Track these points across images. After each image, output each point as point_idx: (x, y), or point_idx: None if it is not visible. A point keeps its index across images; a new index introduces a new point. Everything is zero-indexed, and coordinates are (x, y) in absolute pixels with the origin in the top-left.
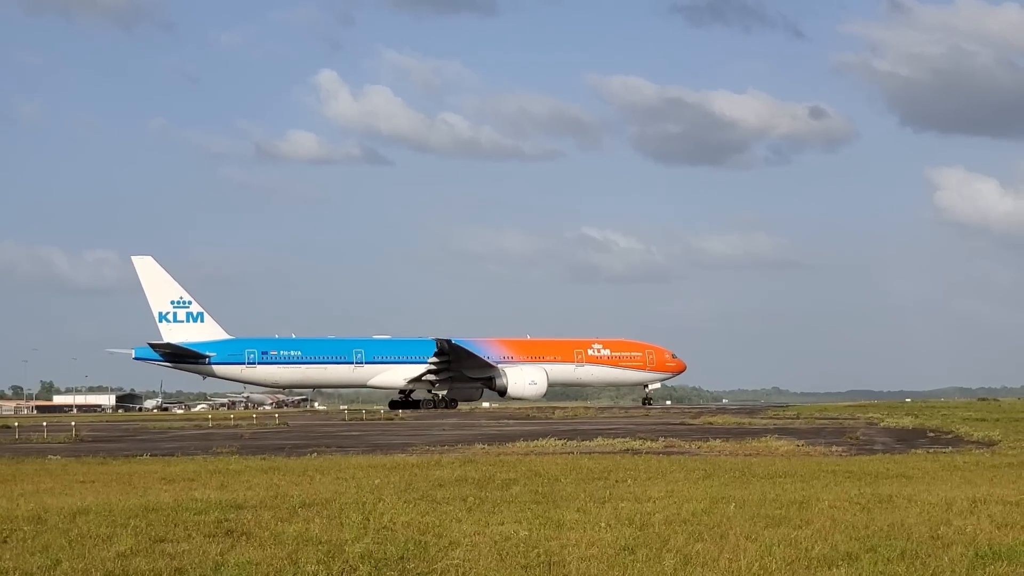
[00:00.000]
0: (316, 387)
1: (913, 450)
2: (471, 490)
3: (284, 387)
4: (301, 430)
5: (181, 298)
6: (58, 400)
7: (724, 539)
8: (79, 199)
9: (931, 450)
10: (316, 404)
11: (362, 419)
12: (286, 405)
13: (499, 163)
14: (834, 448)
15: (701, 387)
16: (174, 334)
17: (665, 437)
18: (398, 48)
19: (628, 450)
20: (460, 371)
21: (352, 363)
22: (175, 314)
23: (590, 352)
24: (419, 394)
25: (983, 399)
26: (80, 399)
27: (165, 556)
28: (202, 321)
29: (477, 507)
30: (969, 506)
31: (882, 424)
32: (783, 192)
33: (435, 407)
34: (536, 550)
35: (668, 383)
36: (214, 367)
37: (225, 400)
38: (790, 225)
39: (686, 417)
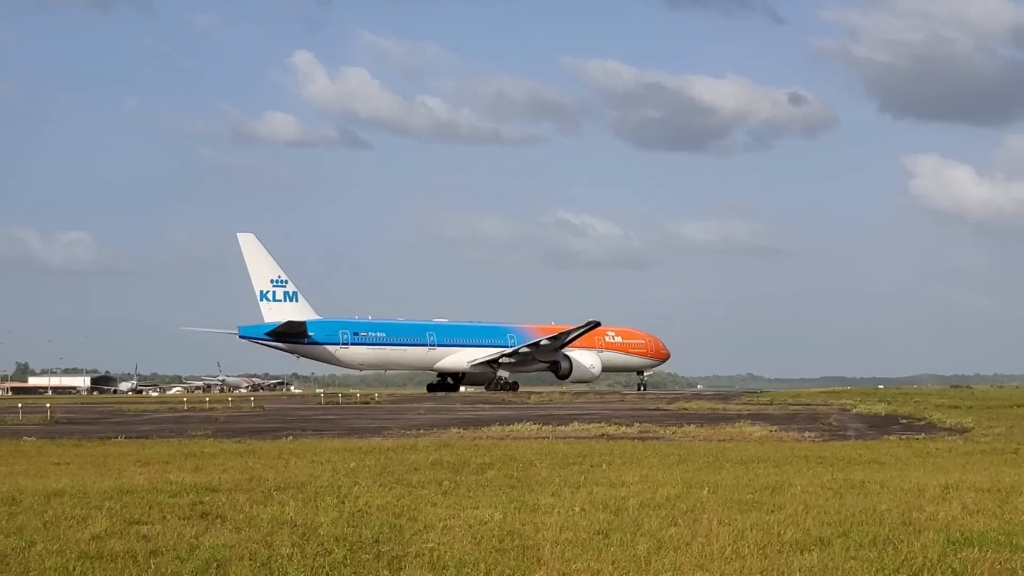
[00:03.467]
0: (393, 368)
1: (886, 436)
2: (446, 474)
3: (367, 368)
4: (277, 413)
5: (279, 277)
6: (33, 382)
7: (697, 523)
8: (53, 180)
9: (904, 436)
10: (292, 388)
11: (338, 403)
12: (262, 388)
13: (478, 147)
14: (807, 434)
15: (677, 373)
16: (274, 313)
17: (640, 422)
18: (375, 30)
19: (603, 435)
20: (534, 356)
21: (426, 345)
22: (274, 293)
23: (607, 339)
24: (471, 378)
25: (956, 386)
26: (55, 381)
27: (140, 538)
28: (296, 300)
29: (452, 491)
30: (941, 492)
31: (855, 410)
32: (761, 178)
33: (500, 389)
34: (511, 534)
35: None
36: (310, 347)
37: (200, 383)
38: (767, 211)
39: (661, 403)
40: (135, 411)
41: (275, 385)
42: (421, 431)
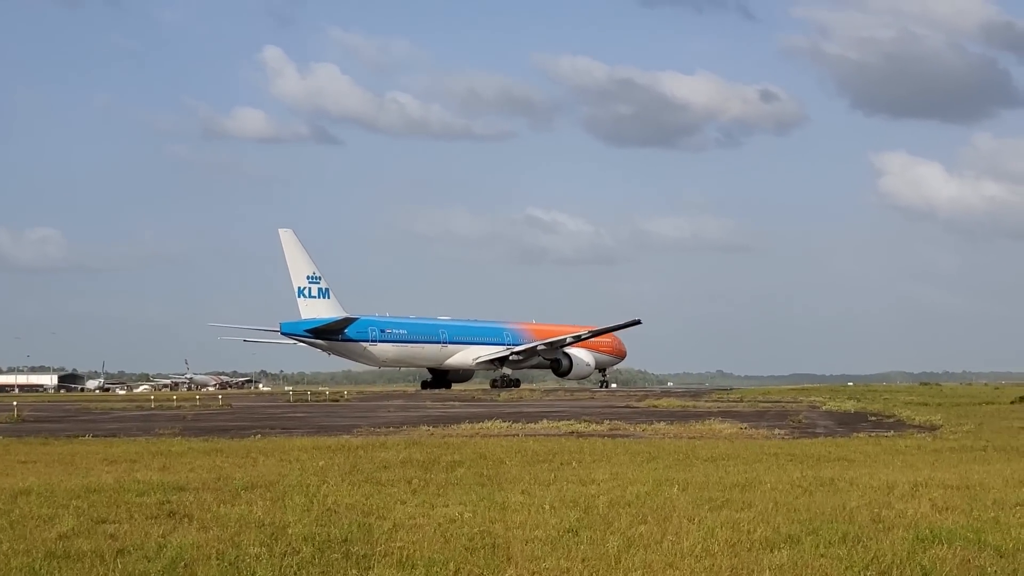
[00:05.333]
0: (410, 365)
1: (855, 434)
2: (416, 472)
3: (389, 364)
4: (245, 412)
5: (314, 273)
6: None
7: (667, 521)
8: (21, 177)
9: (873, 434)
10: (260, 385)
11: (307, 401)
12: (230, 386)
13: (450, 143)
14: (777, 431)
15: (647, 370)
16: (310, 310)
17: (610, 420)
18: (345, 26)
19: (573, 433)
20: (540, 354)
21: (439, 343)
22: (310, 289)
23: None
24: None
25: (925, 383)
26: (22, 379)
27: (107, 537)
28: (328, 297)
29: (422, 489)
30: (910, 490)
31: (824, 407)
32: (732, 175)
33: (502, 387)
34: (480, 532)
35: (615, 367)
36: (343, 344)
37: (168, 381)
38: (738, 208)
39: (631, 400)
40: (102, 409)
41: (243, 383)
42: (391, 429)
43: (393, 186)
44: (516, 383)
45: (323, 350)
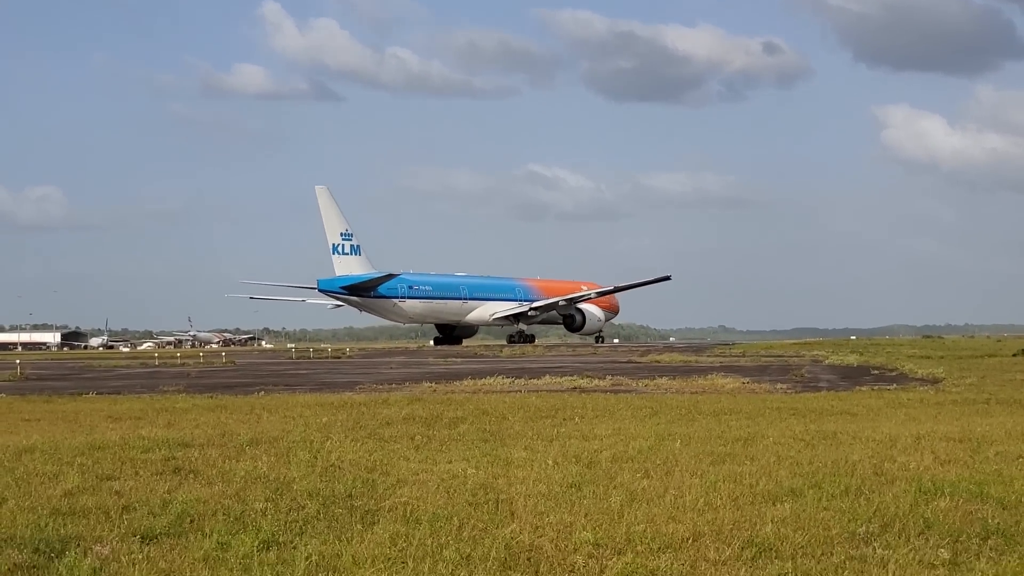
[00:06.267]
0: (433, 321)
1: (858, 387)
2: (419, 428)
3: (415, 320)
4: (248, 368)
5: (346, 230)
6: (2, 338)
7: (670, 476)
8: (21, 136)
9: (875, 387)
10: (263, 342)
11: (309, 357)
12: (233, 343)
13: (450, 100)
14: (779, 385)
15: (649, 325)
16: (344, 266)
17: (612, 375)
18: None
19: (575, 388)
20: (557, 310)
21: (461, 299)
22: (343, 247)
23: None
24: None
25: (927, 336)
26: (25, 337)
27: (112, 494)
28: (359, 254)
29: (425, 445)
30: (913, 443)
31: (827, 361)
32: (734, 129)
33: (519, 342)
34: (484, 488)
35: (615, 322)
36: (375, 300)
37: (171, 338)
38: (740, 163)
39: (633, 355)
40: (106, 367)
41: (246, 340)
42: (393, 385)
43: (394, 142)
44: (531, 339)
45: (356, 307)
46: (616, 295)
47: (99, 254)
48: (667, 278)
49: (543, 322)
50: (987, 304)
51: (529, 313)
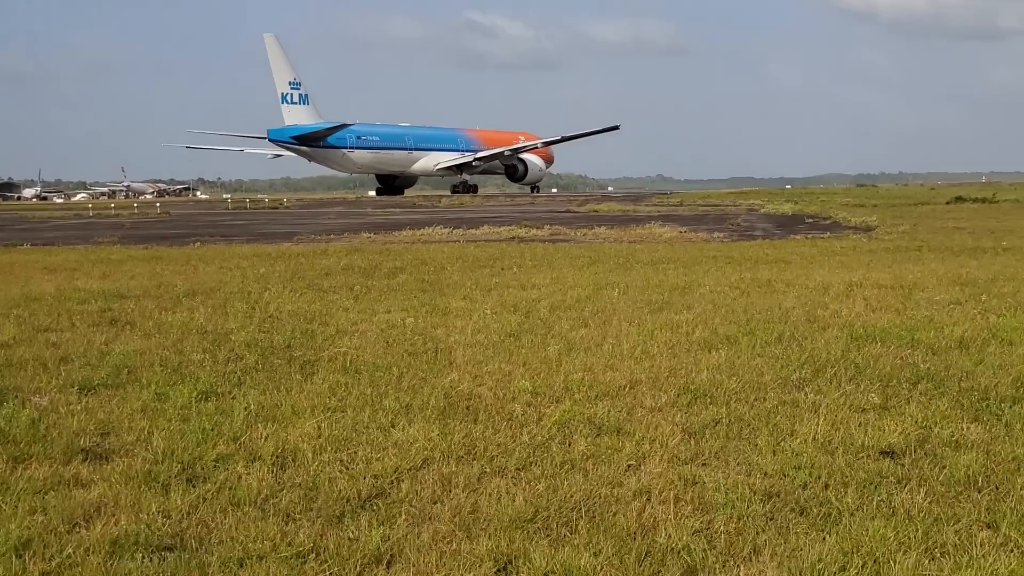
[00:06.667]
0: (379, 171)
1: (792, 236)
2: (358, 279)
3: (363, 170)
4: (184, 219)
5: (295, 79)
6: None
7: (607, 324)
8: None
9: (809, 236)
10: (199, 193)
11: (246, 208)
12: (168, 194)
13: None
14: (716, 234)
15: (587, 175)
16: (293, 116)
17: (551, 225)
18: None
19: (514, 238)
20: (500, 160)
21: (406, 149)
22: (292, 96)
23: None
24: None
25: (862, 185)
26: None
27: (49, 345)
28: (307, 104)
29: (364, 296)
30: (845, 290)
31: (763, 210)
32: None
33: (463, 192)
34: (423, 337)
35: (552, 171)
36: (324, 151)
37: (105, 189)
38: (678, 10)
39: (572, 205)
40: (40, 218)
41: (181, 191)
42: (332, 236)
43: None
44: (475, 189)
45: (305, 156)
46: (552, 146)
47: (30, 104)
48: (616, 127)
49: (484, 172)
50: (921, 153)
51: (473, 163)
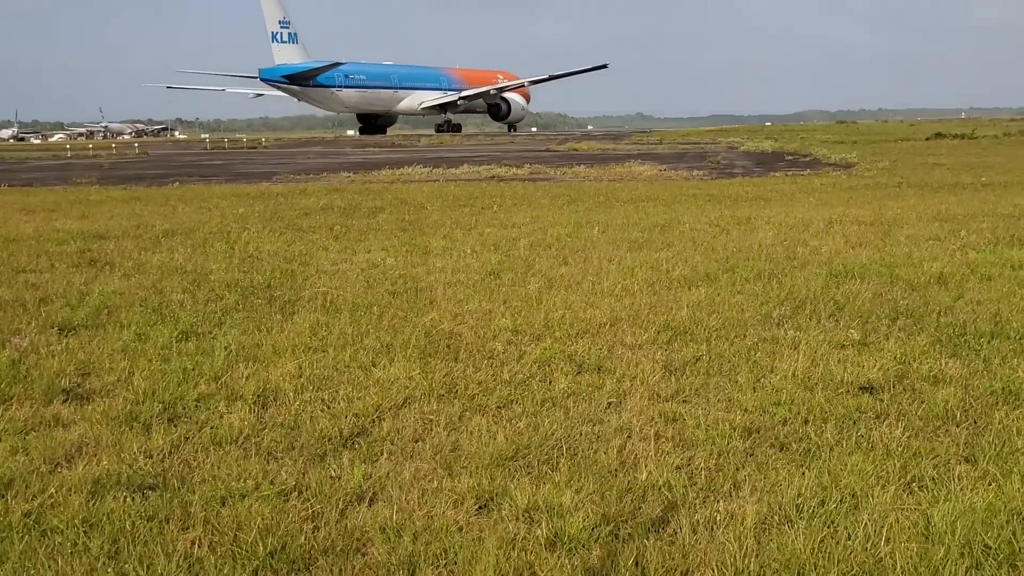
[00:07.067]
0: (366, 110)
1: (772, 173)
2: (337, 219)
3: (350, 109)
4: (162, 160)
5: (284, 18)
6: None
7: (587, 262)
8: None
9: (789, 173)
10: (176, 133)
11: (224, 148)
12: (146, 135)
13: None
14: (695, 172)
15: (566, 114)
16: (283, 55)
17: (530, 164)
18: None
19: (494, 177)
20: (483, 99)
21: (392, 88)
22: (282, 35)
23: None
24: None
25: (841, 122)
26: None
27: (29, 287)
28: (296, 42)
29: (343, 235)
30: (825, 227)
31: (742, 148)
32: None
33: (447, 131)
34: (403, 276)
35: (531, 110)
36: (315, 90)
37: (83, 130)
38: None
39: (551, 144)
40: (17, 159)
41: (159, 131)
42: (311, 176)
43: None
44: (459, 128)
45: (294, 95)
46: (531, 86)
47: (5, 43)
48: (604, 66)
49: (464, 111)
50: (901, 89)
51: (458, 102)
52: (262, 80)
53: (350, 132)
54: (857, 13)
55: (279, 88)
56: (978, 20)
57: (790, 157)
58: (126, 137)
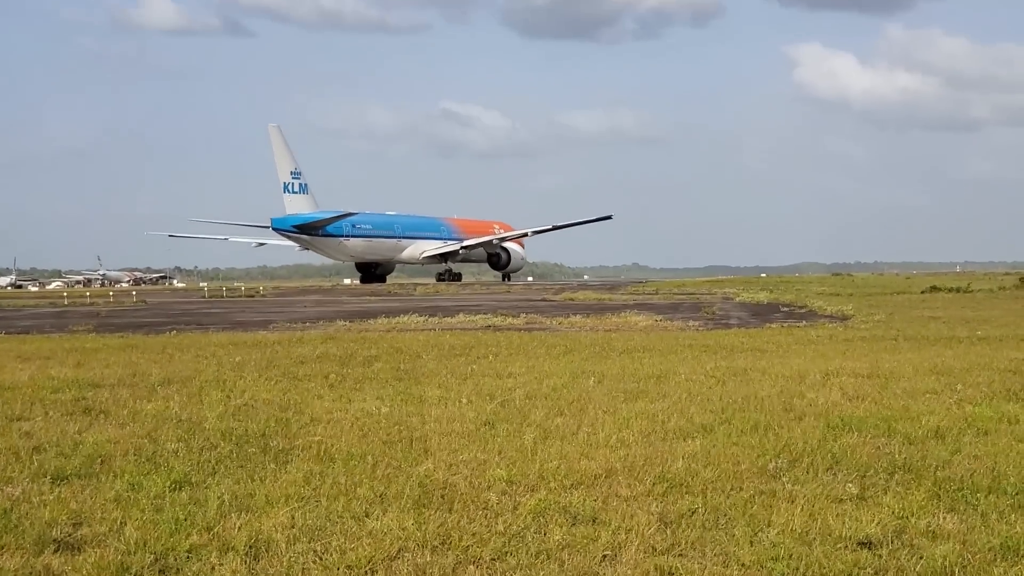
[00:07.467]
0: (370, 259)
1: (768, 324)
2: (333, 367)
3: (356, 258)
4: (159, 308)
5: (296, 169)
6: None
7: (583, 413)
8: None
9: (785, 324)
10: (175, 281)
11: (222, 296)
12: (144, 282)
13: (364, 35)
14: (691, 323)
15: (563, 263)
16: (294, 205)
17: (526, 313)
18: None
19: (489, 326)
20: (484, 248)
21: (396, 237)
22: (293, 185)
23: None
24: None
25: (837, 274)
26: None
27: (22, 435)
28: (306, 192)
29: (339, 384)
30: (822, 379)
31: (738, 299)
32: (649, 68)
33: (448, 280)
34: (398, 426)
35: (527, 259)
36: (323, 239)
37: (80, 277)
38: (655, 101)
39: (547, 293)
40: (14, 306)
41: (157, 279)
42: (307, 324)
43: (305, 79)
44: (459, 277)
45: (303, 244)
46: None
47: (5, 192)
48: (608, 217)
49: (463, 260)
50: (896, 242)
51: (460, 251)
52: (274, 229)
53: (347, 280)
54: (854, 167)
55: (288, 237)
56: (972, 176)
57: (786, 308)
58: (124, 285)
